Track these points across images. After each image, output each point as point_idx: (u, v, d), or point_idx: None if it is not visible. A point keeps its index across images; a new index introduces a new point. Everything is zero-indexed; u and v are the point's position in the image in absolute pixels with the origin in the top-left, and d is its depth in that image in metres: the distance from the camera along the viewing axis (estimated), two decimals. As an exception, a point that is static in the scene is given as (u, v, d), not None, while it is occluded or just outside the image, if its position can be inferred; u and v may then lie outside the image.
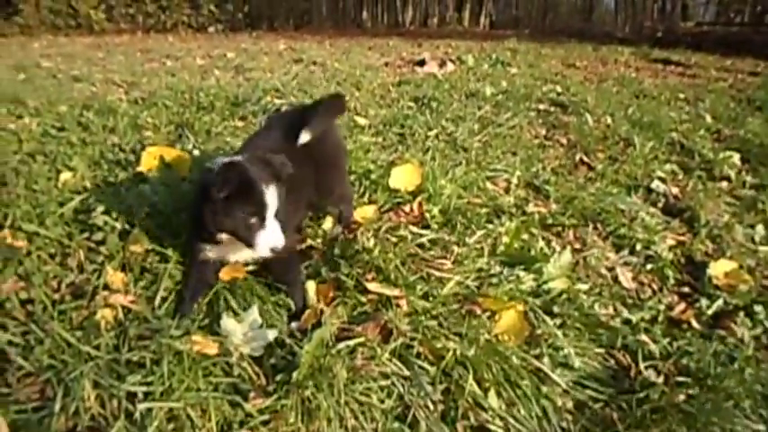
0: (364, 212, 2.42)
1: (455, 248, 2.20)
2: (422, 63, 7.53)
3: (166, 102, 4.49)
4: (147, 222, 2.15)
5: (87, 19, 19.95)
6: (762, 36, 14.24)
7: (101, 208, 2.18)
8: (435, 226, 2.35)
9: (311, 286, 1.95)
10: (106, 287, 1.91)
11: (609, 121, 4.42)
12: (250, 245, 1.72)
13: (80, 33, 18.64)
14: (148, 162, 2.46)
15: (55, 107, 4.31)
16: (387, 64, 7.98)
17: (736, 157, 3.70)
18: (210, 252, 1.85)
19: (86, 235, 2.12)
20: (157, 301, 1.86)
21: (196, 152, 2.97)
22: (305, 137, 2.05)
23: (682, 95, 6.00)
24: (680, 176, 3.47)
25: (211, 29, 21.06)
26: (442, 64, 7.46)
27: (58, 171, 2.70)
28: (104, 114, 4.08)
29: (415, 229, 2.31)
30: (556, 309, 1.98)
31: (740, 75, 8.45)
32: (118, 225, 2.12)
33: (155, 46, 12.23)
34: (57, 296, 1.89)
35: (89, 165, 2.84)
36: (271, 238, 1.70)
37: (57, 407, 1.44)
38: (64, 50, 11.17)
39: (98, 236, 2.10)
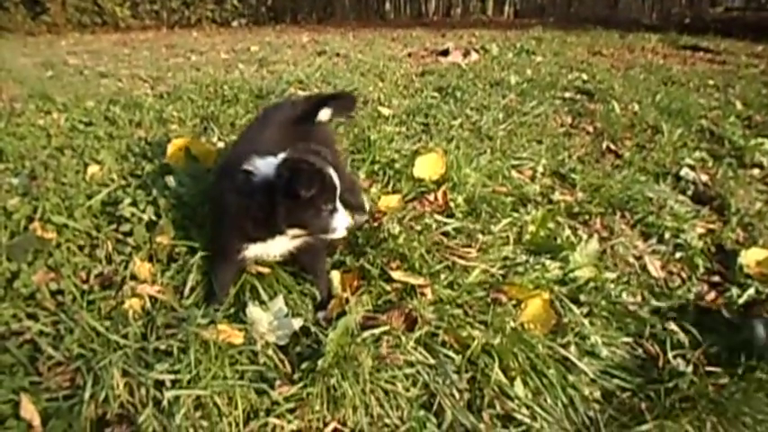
0: (388, 201, 2.42)
1: (480, 237, 2.19)
2: (445, 53, 7.47)
3: (191, 96, 4.53)
4: (173, 213, 2.18)
5: (113, 16, 20.20)
6: (794, 22, 13.88)
7: (128, 200, 2.21)
8: (460, 215, 2.34)
9: (336, 276, 1.95)
10: (134, 278, 1.94)
11: (636, 108, 4.34)
12: (328, 231, 1.75)
13: (106, 31, 18.88)
14: (174, 154, 2.49)
15: (82, 103, 4.36)
16: (410, 54, 7.94)
17: (768, 144, 3.62)
18: (250, 250, 1.85)
19: (114, 227, 2.15)
20: (185, 291, 1.88)
21: (221, 144, 2.99)
22: (325, 113, 2.15)
23: (711, 82, 5.88)
24: (709, 164, 3.39)
25: (235, 23, 21.18)
26: (466, 53, 7.40)
27: (86, 165, 2.73)
28: (131, 109, 4.12)
29: (439, 217, 2.30)
30: (582, 297, 1.96)
31: (771, 60, 8.26)
32: (145, 216, 2.15)
33: (179, 41, 12.32)
34: (86, 287, 1.92)
35: (116, 158, 2.87)
36: (344, 219, 1.76)
37: (86, 395, 1.47)
38: (90, 48, 11.32)
39: (125, 227, 2.13)
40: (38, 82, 6.02)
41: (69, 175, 2.57)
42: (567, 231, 2.38)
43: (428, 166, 2.62)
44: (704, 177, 3.18)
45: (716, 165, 3.38)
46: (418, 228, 2.14)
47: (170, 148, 2.53)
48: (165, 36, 15.11)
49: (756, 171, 3.37)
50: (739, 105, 4.74)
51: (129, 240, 2.09)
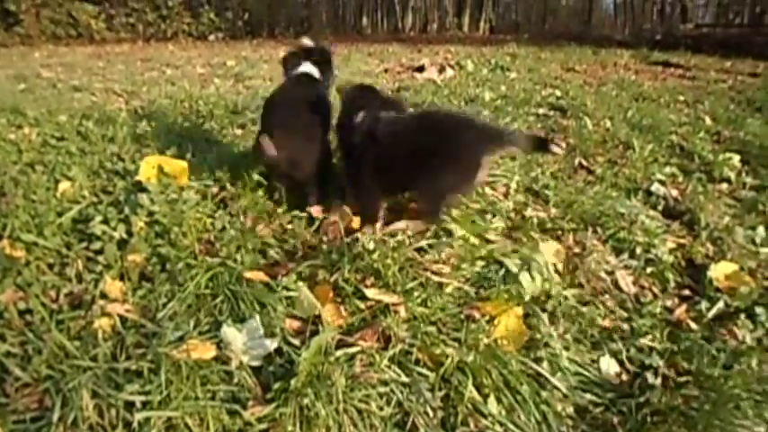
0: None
1: (453, 253, 2.20)
2: (421, 69, 7.55)
3: (166, 111, 4.51)
4: (145, 231, 2.16)
5: (87, 29, 20.11)
6: (762, 37, 14.24)
7: (99, 217, 2.19)
8: (432, 231, 2.34)
9: (306, 290, 1.95)
10: (104, 296, 1.91)
11: (608, 124, 4.41)
12: None
13: (80, 43, 18.78)
14: (147, 172, 2.46)
15: (54, 117, 4.32)
16: (386, 70, 8.00)
17: (736, 159, 3.69)
18: None
19: (85, 245, 2.13)
20: (155, 308, 1.86)
21: (194, 160, 2.97)
22: None
23: (681, 98, 6.00)
24: (680, 179, 3.45)
25: (211, 37, 21.18)
26: (442, 69, 7.47)
27: (57, 181, 2.71)
28: (104, 124, 4.10)
29: (411, 232, 2.31)
30: (555, 312, 1.97)
31: (740, 76, 8.45)
32: (116, 234, 2.13)
33: (155, 55, 12.28)
34: (55, 306, 1.89)
35: (88, 174, 2.85)
36: None
37: (55, 417, 1.44)
38: (64, 60, 11.22)
39: (96, 245, 2.11)
40: (9, 95, 5.96)
41: (40, 191, 2.54)
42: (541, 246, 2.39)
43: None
44: (674, 192, 3.23)
45: (686, 180, 3.44)
46: (392, 243, 2.14)
47: (143, 166, 2.50)
48: (140, 49, 15.04)
49: (725, 185, 3.44)
50: (708, 121, 4.84)
51: (100, 258, 2.07)
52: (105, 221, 2.18)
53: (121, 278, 2.02)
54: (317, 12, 29.54)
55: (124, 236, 2.14)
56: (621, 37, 17.98)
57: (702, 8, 35.19)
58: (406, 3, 30.62)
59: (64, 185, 2.62)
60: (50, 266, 2.08)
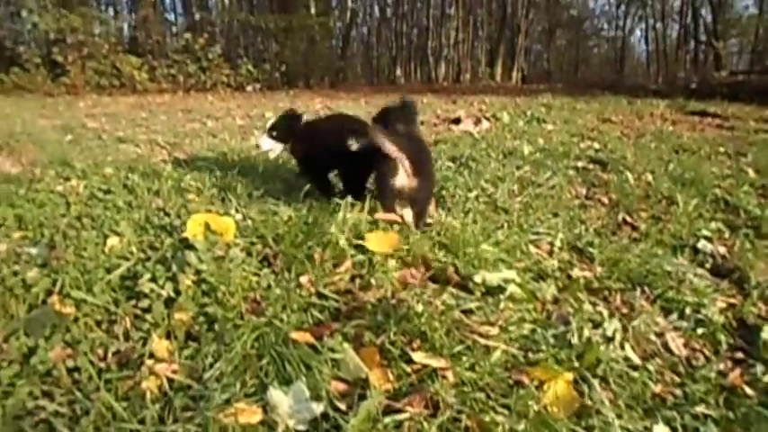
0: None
1: (500, 315, 2.16)
2: (457, 121, 7.61)
3: (208, 164, 4.60)
4: (192, 290, 2.18)
5: (131, 79, 20.83)
6: (801, 85, 14.05)
7: (147, 275, 2.22)
8: (479, 293, 2.32)
9: (351, 352, 1.92)
10: (151, 356, 1.92)
11: (650, 178, 4.36)
12: None
13: (123, 93, 19.42)
14: (194, 229, 2.50)
15: (101, 169, 4.43)
16: (422, 122, 8.07)
17: (785, 213, 3.60)
18: None
19: (133, 302, 2.15)
20: (202, 369, 1.86)
21: (239, 216, 3.01)
22: None
23: (722, 149, 5.92)
24: (726, 235, 3.37)
25: (249, 87, 21.75)
26: (478, 121, 7.52)
27: (106, 236, 2.76)
28: (149, 177, 4.18)
29: (459, 292, 2.29)
30: (605, 377, 1.91)
31: (780, 125, 8.32)
32: (164, 293, 2.15)
33: (195, 105, 12.61)
34: (102, 364, 1.89)
35: (135, 229, 2.90)
36: None
37: (103, 481, 1.43)
38: (108, 110, 11.59)
39: (144, 303, 2.13)
40: (57, 146, 6.15)
41: (89, 247, 2.58)
42: (588, 307, 2.34)
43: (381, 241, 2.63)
44: (722, 249, 3.15)
45: (733, 236, 3.36)
46: (439, 305, 2.12)
47: (190, 223, 2.54)
48: (180, 100, 15.48)
49: (774, 242, 3.34)
50: (752, 173, 4.75)
51: (148, 317, 2.08)
52: (153, 279, 2.20)
53: (168, 337, 2.02)
54: (352, 63, 30.22)
55: (171, 294, 2.16)
56: (656, 86, 17.93)
57: (736, 55, 35.15)
58: (439, 53, 31.13)
59: (112, 241, 2.67)
60: (98, 323, 2.10)
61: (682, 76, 20.51)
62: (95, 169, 4.45)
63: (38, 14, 20.14)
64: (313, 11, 26.51)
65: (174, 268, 2.24)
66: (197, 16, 26.65)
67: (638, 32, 42.78)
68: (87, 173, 4.33)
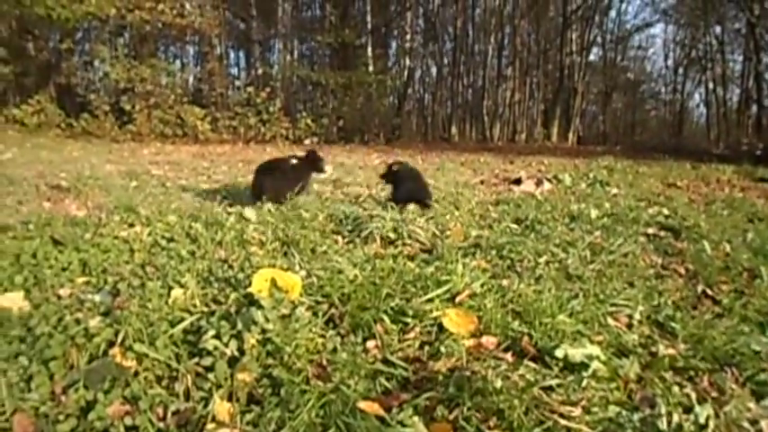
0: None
1: (582, 394, 2.01)
2: (518, 181, 7.51)
3: (270, 216, 4.60)
4: (257, 349, 2.10)
5: (193, 129, 21.51)
6: None
7: (211, 331, 2.15)
8: (557, 368, 2.17)
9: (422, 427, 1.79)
10: (213, 418, 1.84)
11: (727, 248, 4.13)
12: None
13: (185, 142, 20.02)
14: (260, 284, 2.44)
15: (165, 217, 4.47)
16: (482, 182, 8.01)
17: None
18: None
19: (195, 359, 2.08)
20: (266, 435, 1.76)
21: (303, 272, 2.95)
22: None
23: (800, 219, 5.64)
24: (817, 313, 3.13)
25: (307, 141, 22.16)
26: (539, 183, 7.40)
27: (170, 287, 2.73)
28: (212, 227, 4.20)
29: (537, 366, 2.15)
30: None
31: None
32: (228, 351, 2.08)
33: (255, 157, 12.85)
34: (162, 425, 1.82)
35: (199, 281, 2.86)
36: None
37: None
38: (171, 158, 11.91)
39: (207, 361, 2.06)
40: (122, 192, 6.30)
41: (153, 298, 2.55)
42: (675, 389, 2.16)
43: (461, 321, 2.49)
44: (814, 329, 2.92)
45: (824, 315, 3.11)
46: (519, 382, 1.98)
47: (256, 278, 2.48)
48: (240, 150, 15.86)
49: None
50: (838, 246, 4.47)
51: (210, 376, 2.01)
52: (217, 336, 2.13)
53: (230, 398, 1.94)
54: (408, 120, 30.65)
55: (235, 353, 2.09)
56: (719, 150, 17.52)
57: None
58: (495, 113, 31.30)
59: (176, 292, 2.63)
60: (159, 379, 2.04)
61: (746, 141, 19.97)
62: (159, 216, 4.49)
63: (110, 64, 21.13)
64: (371, 68, 27.10)
65: (240, 326, 2.17)
66: (260, 71, 27.53)
67: (696, 96, 42.09)
68: (151, 220, 4.37)
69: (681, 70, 41.46)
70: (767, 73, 29.15)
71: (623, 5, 40.54)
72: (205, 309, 2.50)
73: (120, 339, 2.17)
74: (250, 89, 23.11)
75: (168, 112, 21.37)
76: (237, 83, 28.78)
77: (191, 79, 28.05)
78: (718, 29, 34.80)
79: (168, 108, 21.39)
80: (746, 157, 13.56)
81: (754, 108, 30.74)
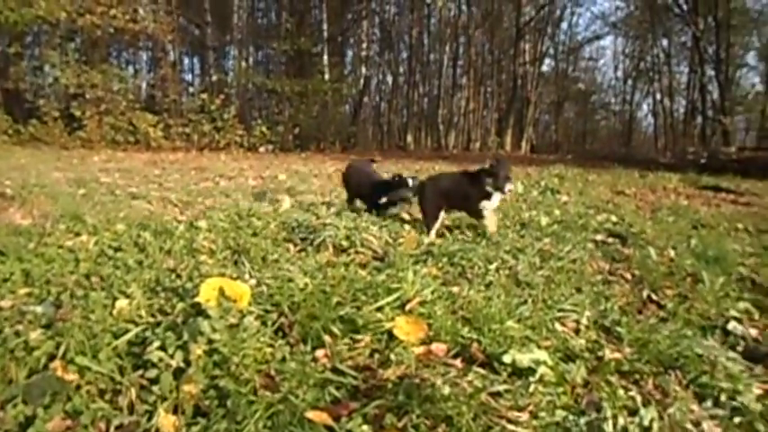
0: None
1: (530, 399, 2.03)
2: (471, 189, 7.58)
3: (221, 224, 4.53)
4: (203, 360, 2.06)
5: (145, 136, 21.14)
6: (810, 162, 14.09)
7: (156, 343, 2.10)
8: (505, 374, 2.19)
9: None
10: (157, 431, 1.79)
11: (672, 254, 4.26)
12: None
13: (137, 149, 19.66)
14: (208, 294, 2.39)
15: (112, 226, 4.36)
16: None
17: (814, 295, 3.47)
18: None
19: (140, 372, 2.03)
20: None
21: (253, 281, 2.91)
22: None
23: (740, 225, 5.84)
24: (756, 316, 3.23)
25: (262, 149, 22.01)
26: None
27: (114, 298, 2.66)
28: (161, 236, 4.11)
29: (486, 372, 2.17)
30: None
31: (797, 203, 8.27)
32: (173, 363, 2.03)
33: (208, 164, 12.70)
34: (104, 440, 1.77)
35: (145, 291, 2.80)
36: None
37: None
38: (122, 165, 11.69)
39: (152, 373, 2.00)
40: (69, 200, 6.14)
41: (97, 309, 2.48)
42: (621, 392, 2.21)
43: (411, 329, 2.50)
44: (753, 331, 3.02)
45: (763, 317, 3.22)
46: (468, 388, 1.99)
47: (203, 288, 2.44)
48: (194, 158, 15.63)
49: (806, 325, 3.20)
50: (775, 251, 4.64)
51: (155, 388, 1.96)
52: (162, 347, 2.08)
53: (175, 411, 1.89)
54: (364, 128, 30.71)
55: (181, 364, 2.04)
56: (666, 159, 18.04)
57: (743, 131, 35.58)
58: (450, 121, 31.62)
59: (121, 303, 2.57)
60: (102, 393, 1.98)
61: (691, 151, 20.61)
62: (107, 225, 4.38)
63: (60, 69, 20.64)
64: (327, 76, 27.08)
65: (186, 336, 2.13)
66: (214, 78, 27.22)
67: (645, 107, 43.32)
68: (98, 229, 4.26)
69: (630, 81, 42.65)
70: (711, 85, 30.23)
71: (574, 18, 41.51)
72: (151, 319, 2.45)
73: (61, 352, 2.10)
74: (204, 96, 22.87)
75: (120, 119, 20.98)
76: (191, 89, 28.51)
77: (143, 85, 27.68)
78: (665, 42, 36.04)
79: (120, 114, 21.02)
80: (692, 165, 14.00)
81: (699, 119, 31.84)
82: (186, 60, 33.30)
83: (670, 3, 31.10)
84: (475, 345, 2.39)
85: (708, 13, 28.50)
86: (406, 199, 5.20)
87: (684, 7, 29.99)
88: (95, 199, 6.49)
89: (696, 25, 28.52)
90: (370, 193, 5.46)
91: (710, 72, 29.92)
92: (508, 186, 4.55)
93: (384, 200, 5.25)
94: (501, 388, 2.05)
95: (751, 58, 35.61)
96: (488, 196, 4.59)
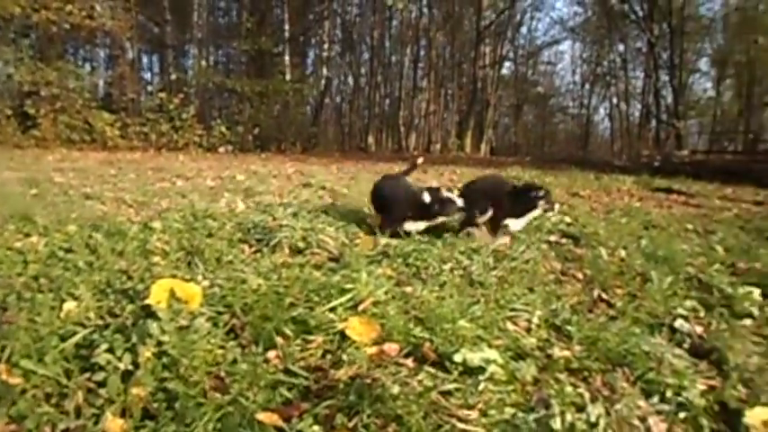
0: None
1: (480, 397, 2.06)
2: (430, 190, 7.63)
3: (176, 225, 4.47)
4: (152, 363, 2.03)
5: (102, 135, 20.67)
6: (759, 164, 14.60)
7: (104, 345, 2.07)
8: (456, 373, 2.21)
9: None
10: (104, 435, 1.77)
11: (623, 254, 4.36)
12: None
13: (94, 148, 19.22)
14: (158, 295, 2.36)
15: (64, 227, 4.27)
16: (394, 190, 8.08)
17: (756, 293, 3.58)
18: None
19: (87, 375, 1.99)
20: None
21: (206, 282, 2.88)
22: None
23: (690, 226, 6.00)
24: (702, 314, 3.33)
25: (221, 149, 21.77)
26: (449, 191, 7.54)
27: (63, 300, 2.60)
28: (113, 237, 4.04)
29: (437, 371, 2.19)
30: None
31: (743, 204, 8.54)
32: (121, 365, 2.00)
33: (166, 165, 12.50)
34: (50, 444, 1.74)
35: (95, 293, 2.75)
36: None
37: None
38: (77, 165, 11.42)
39: (99, 376, 1.97)
40: (21, 200, 5.96)
41: (44, 312, 2.43)
42: (569, 389, 2.25)
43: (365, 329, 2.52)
44: (699, 329, 3.11)
45: (708, 315, 3.32)
46: (418, 387, 2.01)
47: (154, 289, 2.40)
48: (151, 158, 15.37)
49: (748, 321, 3.30)
50: (721, 251, 4.78)
51: (102, 391, 1.92)
52: (110, 350, 2.05)
53: (123, 414, 1.87)
54: (325, 129, 30.63)
55: (129, 367, 2.01)
56: (621, 162, 18.43)
57: (695, 135, 36.67)
58: (411, 123, 31.77)
59: (69, 305, 2.52)
60: (48, 397, 1.93)
61: (645, 154, 21.13)
62: (58, 226, 4.28)
63: (14, 66, 20.05)
64: (288, 77, 26.94)
65: (135, 338, 2.10)
66: (173, 77, 26.82)
67: (601, 110, 44.24)
68: (49, 230, 4.17)
69: (587, 85, 43.55)
70: (665, 90, 31.06)
71: (534, 22, 42.04)
72: (100, 322, 2.40)
73: (6, 356, 2.05)
74: (162, 95, 22.53)
75: (75, 117, 20.47)
76: (150, 88, 28.05)
77: (100, 83, 27.08)
78: (621, 47, 36.97)
79: (75, 113, 20.50)
80: (646, 168, 14.35)
81: (654, 123, 32.74)
82: (145, 58, 32.83)
83: (626, 9, 31.91)
84: (427, 344, 2.41)
85: (662, 20, 29.33)
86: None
87: (640, 14, 30.79)
88: (48, 199, 6.33)
89: (651, 31, 29.31)
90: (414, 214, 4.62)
91: (665, 77, 30.88)
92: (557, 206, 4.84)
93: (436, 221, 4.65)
94: (451, 387, 2.07)
95: (703, 63, 36.78)
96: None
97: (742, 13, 31.50)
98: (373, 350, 2.34)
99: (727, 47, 33.79)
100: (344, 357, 2.26)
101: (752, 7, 30.60)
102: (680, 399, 2.38)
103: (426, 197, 4.52)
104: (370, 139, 31.37)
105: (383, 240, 4.26)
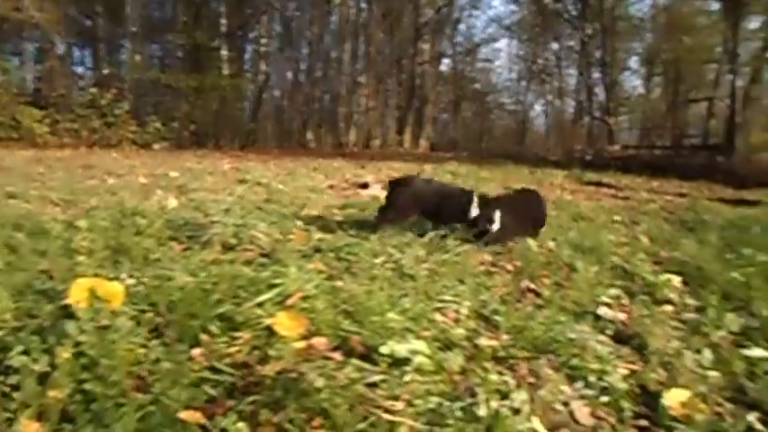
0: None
1: (406, 388, 2.08)
2: (365, 186, 7.67)
3: (103, 224, 4.35)
4: (70, 364, 1.97)
5: (30, 132, 19.85)
6: (681, 158, 15.27)
7: (19, 347, 1.99)
8: (384, 365, 2.23)
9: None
10: (18, 440, 1.70)
11: (552, 245, 4.48)
12: None
13: (22, 146, 18.40)
14: (78, 294, 2.29)
15: (-18, 227, 4.09)
16: (331, 186, 8.08)
17: (677, 280, 3.73)
18: None
19: (1, 379, 1.92)
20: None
21: (131, 281, 2.81)
22: None
23: (617, 218, 6.23)
24: (625, 301, 3.46)
25: (156, 146, 21.21)
26: (385, 187, 7.62)
27: (-25, 304, 2.49)
28: (36, 236, 3.90)
29: (364, 364, 2.20)
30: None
31: (668, 196, 8.91)
32: (37, 368, 1.93)
33: (97, 162, 12.12)
34: (-43, 453, 1.67)
35: (12, 294, 2.64)
36: None
37: None
38: (2, 163, 11.00)
39: (14, 379, 1.90)
40: (-64, 201, 5.67)
41: (-44, 316, 2.32)
42: (494, 377, 2.30)
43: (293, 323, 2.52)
44: (621, 315, 3.22)
45: (631, 302, 3.44)
46: (342, 378, 2.01)
47: (74, 288, 2.33)
48: (82, 155, 14.86)
49: (668, 307, 3.44)
50: (646, 241, 4.97)
51: (17, 395, 1.86)
52: (26, 352, 1.98)
53: (39, 418, 1.80)
54: (263, 125, 30.25)
55: (46, 369, 1.94)
56: (555, 157, 18.94)
57: (626, 131, 37.96)
58: (350, 119, 31.72)
59: (-17, 308, 2.41)
60: (-42, 403, 1.85)
61: (578, 149, 21.78)
62: (-24, 227, 4.10)
63: (-65, 59, 19.07)
64: (226, 72, 26.49)
65: (52, 340, 2.03)
66: (106, 71, 25.97)
67: (537, 107, 45.24)
68: (-33, 231, 3.98)
69: (523, 82, 44.37)
70: (597, 87, 32.01)
71: (471, 20, 42.57)
72: (16, 323, 2.31)
73: None
74: (94, 90, 21.80)
75: (2, 113, 19.60)
76: (81, 83, 27.01)
77: (29, 78, 25.97)
78: (555, 45, 37.87)
79: (2, 108, 19.62)
80: (578, 163, 14.79)
81: (587, 119, 33.70)
82: (76, 52, 31.52)
83: (560, 8, 32.68)
84: (355, 337, 2.42)
85: (594, 20, 30.24)
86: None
87: (573, 13, 31.64)
88: (-34, 199, 6.05)
89: (583, 30, 30.19)
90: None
91: (597, 75, 31.77)
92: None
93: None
94: (377, 378, 2.09)
95: (633, 62, 38.01)
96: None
97: (669, 14, 32.69)
98: (301, 345, 2.33)
99: (656, 46, 34.99)
100: (271, 353, 2.25)
101: (677, 9, 31.86)
102: (602, 383, 2.46)
103: (474, 211, 4.59)
104: (310, 136, 31.14)
105: (316, 235, 4.25)
